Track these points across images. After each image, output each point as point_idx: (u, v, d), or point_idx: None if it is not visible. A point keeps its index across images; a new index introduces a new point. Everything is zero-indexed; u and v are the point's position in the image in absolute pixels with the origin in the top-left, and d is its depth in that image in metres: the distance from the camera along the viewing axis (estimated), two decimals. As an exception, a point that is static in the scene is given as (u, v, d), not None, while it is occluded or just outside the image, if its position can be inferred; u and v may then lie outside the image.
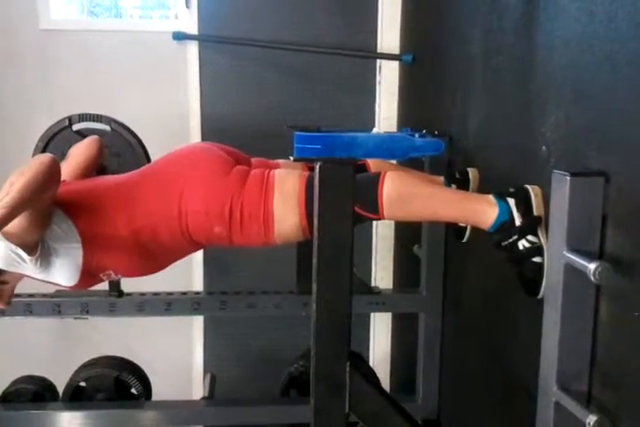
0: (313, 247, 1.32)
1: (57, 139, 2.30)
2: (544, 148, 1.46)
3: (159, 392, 2.63)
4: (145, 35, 3.15)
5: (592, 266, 1.13)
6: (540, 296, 1.42)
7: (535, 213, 1.46)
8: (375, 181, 1.54)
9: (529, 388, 1.48)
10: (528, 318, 1.55)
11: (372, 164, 1.90)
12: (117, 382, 2.50)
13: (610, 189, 1.19)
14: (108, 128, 2.28)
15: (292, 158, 1.39)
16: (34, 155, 2.27)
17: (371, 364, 3.19)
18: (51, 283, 1.61)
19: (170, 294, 2.41)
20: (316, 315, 1.33)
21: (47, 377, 2.59)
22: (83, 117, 2.29)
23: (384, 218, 1.57)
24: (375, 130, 2.79)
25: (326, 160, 1.30)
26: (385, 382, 3.12)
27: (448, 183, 1.93)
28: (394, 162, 2.17)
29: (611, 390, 1.21)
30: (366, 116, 3.17)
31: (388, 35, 3.09)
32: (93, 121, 2.29)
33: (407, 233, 2.89)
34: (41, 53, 3.11)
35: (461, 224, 1.97)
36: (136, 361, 2.62)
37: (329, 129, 2.14)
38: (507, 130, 1.76)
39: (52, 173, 1.44)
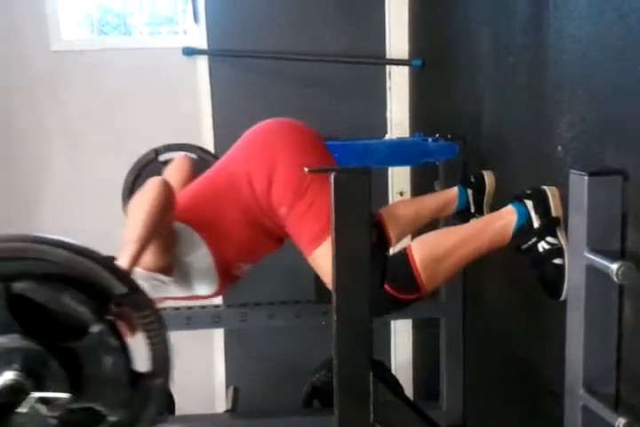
0: (331, 256, 1.32)
1: (145, 172, 2.32)
2: (560, 148, 1.45)
3: (182, 407, 2.63)
4: (155, 51, 3.17)
5: (614, 266, 1.11)
6: (562, 298, 1.40)
7: (553, 214, 1.45)
8: (404, 260, 1.51)
9: (555, 391, 1.45)
10: (551, 321, 1.53)
11: (384, 212, 1.82)
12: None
13: (628, 187, 1.18)
14: (193, 156, 2.30)
15: (306, 169, 1.39)
16: (123, 190, 2.31)
17: (393, 371, 3.17)
18: (193, 298, 1.64)
19: (189, 308, 2.42)
20: (336, 324, 1.32)
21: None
22: (168, 148, 2.32)
23: (426, 291, 1.53)
24: (388, 136, 2.79)
25: (341, 170, 1.30)
26: (408, 389, 3.10)
27: (464, 189, 1.91)
28: (406, 199, 2.11)
29: (639, 391, 1.19)
30: (378, 123, 3.17)
31: (397, 40, 3.09)
32: (178, 150, 2.31)
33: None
34: (53, 75, 3.14)
35: None
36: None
37: (341, 137, 2.15)
38: (521, 131, 1.75)
39: (167, 196, 1.43)
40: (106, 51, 3.18)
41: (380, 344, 3.27)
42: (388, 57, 3.11)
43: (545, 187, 1.48)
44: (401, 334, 3.37)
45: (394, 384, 2.14)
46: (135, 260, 1.29)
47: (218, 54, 3.12)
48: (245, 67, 3.14)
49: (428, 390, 2.88)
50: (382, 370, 1.99)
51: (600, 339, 1.23)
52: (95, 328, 0.91)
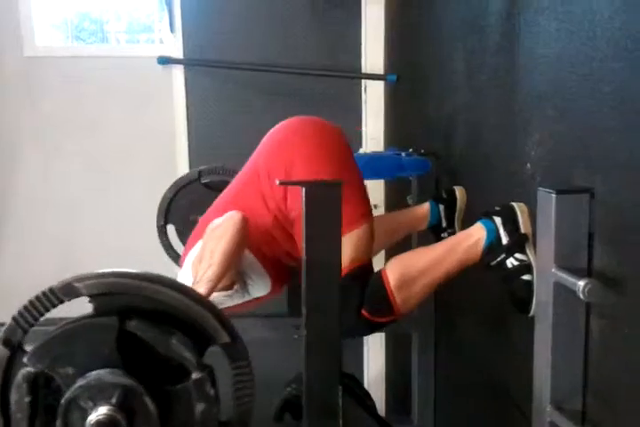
0: (302, 270, 1.32)
1: (185, 190, 2.35)
2: (529, 165, 1.47)
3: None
4: (131, 60, 3.16)
5: (581, 283, 1.13)
6: (531, 314, 1.41)
7: (522, 230, 1.46)
8: (379, 283, 1.51)
9: (523, 407, 1.46)
10: (521, 336, 1.54)
11: None
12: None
13: (596, 205, 1.19)
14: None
15: (277, 182, 1.39)
16: (161, 205, 2.32)
17: (366, 385, 3.16)
18: (252, 303, 1.63)
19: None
20: (306, 337, 1.32)
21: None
22: (212, 171, 2.34)
23: (401, 314, 1.53)
24: (362, 150, 2.80)
25: (312, 183, 1.29)
26: (381, 403, 3.09)
27: (435, 204, 1.93)
28: (380, 214, 2.13)
29: (605, 407, 1.20)
30: (353, 137, 3.18)
31: (372, 55, 3.12)
32: (223, 174, 2.31)
33: (397, 252, 2.88)
34: (26, 81, 3.11)
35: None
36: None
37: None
38: (492, 148, 1.77)
39: (245, 232, 1.42)
40: (80, 58, 3.16)
41: (353, 359, 3.26)
42: (363, 71, 3.13)
43: (514, 203, 1.49)
44: (374, 349, 3.37)
45: (365, 398, 2.13)
46: (208, 297, 1.29)
47: (193, 64, 3.12)
48: (221, 77, 3.14)
49: (400, 404, 2.87)
50: (354, 384, 1.99)
51: (567, 356, 1.24)
52: (196, 375, 0.92)
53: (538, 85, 1.44)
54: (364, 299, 1.50)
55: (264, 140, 1.67)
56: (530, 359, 1.33)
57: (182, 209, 2.32)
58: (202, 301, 0.95)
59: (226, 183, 2.25)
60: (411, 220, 1.94)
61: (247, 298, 1.60)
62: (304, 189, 1.28)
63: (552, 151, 1.38)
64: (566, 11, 1.29)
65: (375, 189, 3.17)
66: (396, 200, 2.74)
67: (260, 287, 1.60)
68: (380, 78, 3.05)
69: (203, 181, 2.32)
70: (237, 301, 1.57)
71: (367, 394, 2.40)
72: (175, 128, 3.15)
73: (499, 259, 1.45)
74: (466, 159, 1.98)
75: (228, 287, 1.48)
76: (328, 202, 1.30)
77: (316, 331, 1.32)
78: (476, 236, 1.51)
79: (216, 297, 1.41)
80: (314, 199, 1.29)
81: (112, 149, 3.17)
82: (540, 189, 1.25)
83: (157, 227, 2.35)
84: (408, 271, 1.51)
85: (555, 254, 1.21)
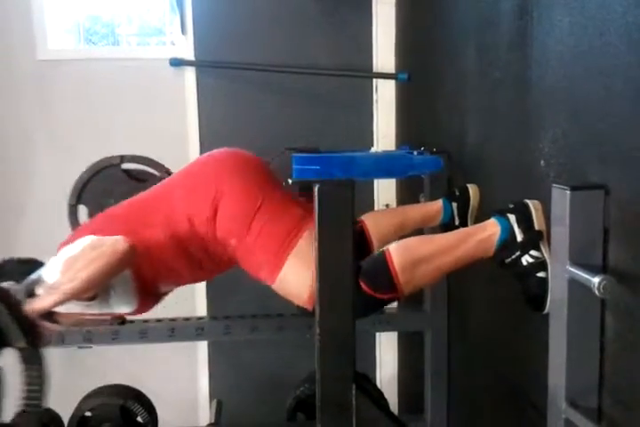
0: (314, 268, 1.32)
1: (103, 174, 2.32)
2: (543, 162, 1.46)
3: (165, 420, 2.60)
4: (142, 62, 3.18)
5: (596, 280, 1.12)
6: (545, 311, 1.41)
7: (537, 227, 1.45)
8: (382, 259, 1.48)
9: (538, 405, 1.45)
10: (535, 334, 1.53)
11: (368, 220, 1.86)
12: (123, 411, 2.46)
13: (610, 201, 1.19)
14: (156, 173, 2.30)
15: (290, 181, 1.39)
16: (75, 186, 2.29)
17: (378, 384, 3.16)
18: (112, 314, 1.60)
19: (173, 320, 2.40)
20: (319, 336, 1.32)
21: (52, 408, 2.56)
22: (135, 159, 2.32)
23: (403, 293, 1.50)
24: (373, 149, 2.80)
25: (324, 182, 1.30)
26: (393, 403, 3.08)
27: (448, 202, 1.92)
28: (392, 207, 2.09)
29: (621, 405, 1.19)
30: (365, 136, 3.19)
31: (384, 54, 3.12)
32: (145, 165, 2.30)
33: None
34: (39, 84, 3.13)
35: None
36: (141, 389, 2.59)
37: (328, 149, 2.15)
38: (505, 145, 1.76)
39: (124, 262, 1.37)
40: (92, 60, 3.18)
41: (365, 358, 3.26)
42: (374, 70, 3.13)
43: (528, 201, 1.48)
44: (386, 348, 3.36)
45: (378, 398, 2.13)
46: (56, 306, 1.25)
47: (205, 65, 3.13)
48: (232, 78, 3.15)
49: (413, 403, 2.87)
50: (366, 383, 1.99)
51: (582, 352, 1.24)
52: None
53: (551, 81, 1.44)
54: (359, 272, 1.47)
55: (185, 172, 1.71)
56: (545, 357, 1.32)
57: (97, 192, 2.28)
58: (5, 300, 0.91)
59: (145, 173, 2.25)
60: (423, 215, 1.94)
61: (106, 310, 1.53)
62: (316, 188, 1.28)
63: (566, 148, 1.37)
64: (579, 6, 1.29)
65: (387, 189, 3.17)
66: (408, 199, 2.74)
67: (123, 305, 1.55)
68: (391, 77, 3.05)
69: (123, 168, 2.30)
70: (95, 310, 1.49)
71: (380, 393, 2.40)
72: (187, 129, 3.16)
73: (514, 256, 1.44)
74: (478, 157, 1.98)
75: (89, 299, 1.39)
76: (340, 200, 1.30)
77: (330, 330, 1.32)
78: (490, 230, 1.50)
79: (76, 303, 1.35)
80: (326, 198, 1.29)
81: (125, 150, 3.18)
82: (555, 185, 1.25)
83: (68, 206, 2.30)
84: (415, 254, 1.49)
85: (569, 251, 1.21)
